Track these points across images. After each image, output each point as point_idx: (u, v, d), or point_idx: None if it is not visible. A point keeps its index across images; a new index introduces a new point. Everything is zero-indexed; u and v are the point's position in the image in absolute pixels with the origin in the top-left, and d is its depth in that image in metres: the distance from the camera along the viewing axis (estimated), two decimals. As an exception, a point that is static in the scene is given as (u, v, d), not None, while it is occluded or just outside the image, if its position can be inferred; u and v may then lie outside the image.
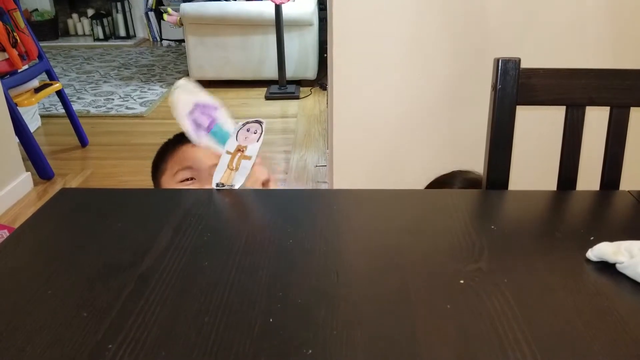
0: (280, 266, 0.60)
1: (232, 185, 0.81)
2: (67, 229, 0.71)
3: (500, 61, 0.85)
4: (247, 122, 0.84)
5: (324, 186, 2.37)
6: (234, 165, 0.81)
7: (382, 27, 1.42)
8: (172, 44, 5.56)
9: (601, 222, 0.74)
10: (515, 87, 0.86)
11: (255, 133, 0.83)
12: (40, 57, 2.73)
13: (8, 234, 1.79)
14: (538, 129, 1.40)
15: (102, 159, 2.79)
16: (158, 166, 1.09)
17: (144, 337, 0.49)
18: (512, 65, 0.85)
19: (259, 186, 0.98)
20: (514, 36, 1.43)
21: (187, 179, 1.03)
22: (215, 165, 1.04)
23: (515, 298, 0.55)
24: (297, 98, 3.71)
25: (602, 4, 1.39)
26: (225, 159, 0.82)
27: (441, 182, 1.14)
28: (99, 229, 0.70)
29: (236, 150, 0.82)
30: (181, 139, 1.08)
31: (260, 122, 0.83)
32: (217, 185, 0.81)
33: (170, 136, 1.12)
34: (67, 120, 2.91)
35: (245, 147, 0.82)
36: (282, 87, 3.77)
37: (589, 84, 0.86)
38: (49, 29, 5.58)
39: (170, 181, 1.06)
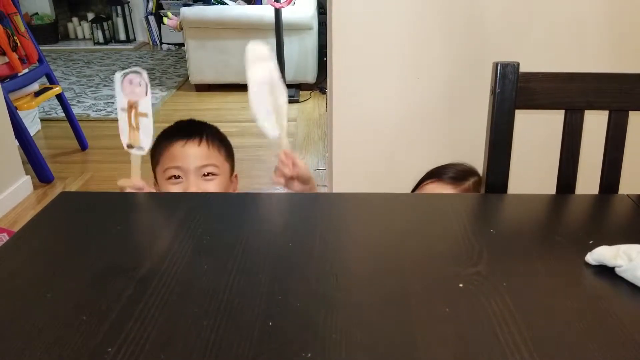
0: (280, 270, 0.60)
1: (141, 148, 0.81)
2: (66, 233, 0.71)
3: (499, 65, 0.85)
4: (126, 73, 0.84)
5: (323, 189, 2.37)
6: (134, 124, 0.81)
7: (382, 31, 1.43)
8: (172, 47, 5.57)
9: (600, 226, 0.74)
10: (514, 91, 0.86)
11: (140, 85, 0.82)
12: (40, 60, 2.73)
13: (8, 238, 1.78)
14: (537, 132, 1.40)
15: (102, 162, 2.79)
16: (154, 155, 1.12)
17: (143, 340, 0.49)
18: (511, 69, 0.85)
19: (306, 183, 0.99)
20: (512, 40, 1.43)
21: (174, 177, 1.05)
22: (201, 167, 1.05)
23: (515, 301, 0.55)
24: (297, 102, 3.71)
25: (601, 8, 1.40)
26: (123, 117, 0.82)
27: (433, 173, 1.15)
28: (98, 232, 0.70)
29: (129, 106, 0.82)
30: (176, 132, 1.10)
31: (139, 73, 0.83)
32: (128, 147, 0.81)
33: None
34: (67, 124, 2.91)
35: (137, 102, 0.82)
36: (281, 90, 3.77)
37: (587, 87, 0.86)
38: (49, 32, 5.59)
39: (161, 174, 1.08)
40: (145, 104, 0.82)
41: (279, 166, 0.93)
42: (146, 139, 0.81)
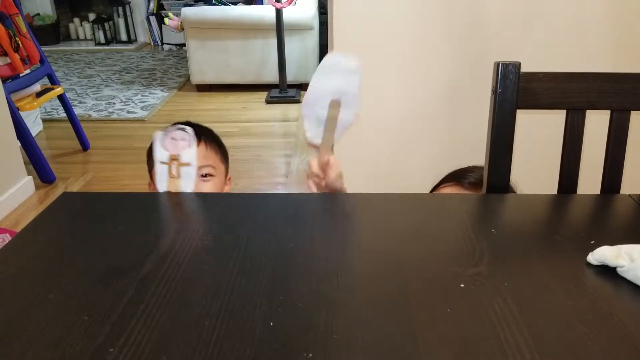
0: (281, 270, 0.60)
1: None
2: (68, 233, 0.71)
3: (500, 65, 0.85)
4: (168, 131, 0.84)
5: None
6: (175, 173, 0.82)
7: (383, 31, 1.43)
8: (173, 48, 5.57)
9: (602, 226, 0.74)
10: (516, 91, 0.86)
11: (183, 140, 0.83)
12: (41, 61, 2.74)
13: (10, 238, 1.78)
14: (538, 132, 1.40)
15: (103, 163, 2.80)
16: (151, 155, 1.11)
17: (145, 340, 0.49)
18: (512, 69, 0.85)
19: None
20: (514, 40, 1.43)
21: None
22: (199, 167, 1.05)
23: (516, 302, 0.55)
24: (298, 102, 3.71)
25: (602, 8, 1.40)
26: (162, 169, 0.82)
27: (453, 176, 1.12)
28: (100, 233, 0.70)
29: (170, 159, 0.82)
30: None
31: (183, 129, 0.83)
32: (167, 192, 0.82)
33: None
34: (69, 125, 2.91)
35: (179, 155, 0.82)
36: (282, 90, 3.77)
37: (589, 87, 0.86)
38: (51, 33, 5.60)
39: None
40: (189, 155, 0.82)
41: (309, 175, 0.89)
42: (188, 183, 0.82)
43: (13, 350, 0.48)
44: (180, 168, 0.81)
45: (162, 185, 0.82)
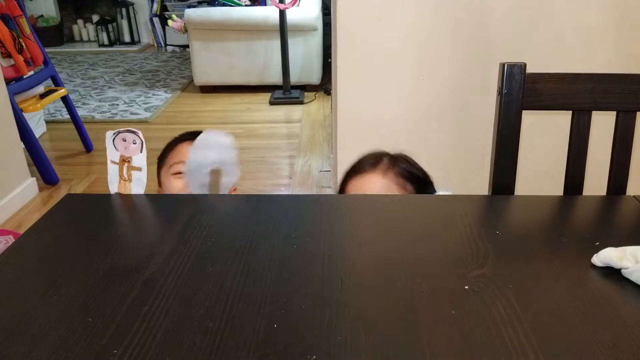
0: (285, 272, 0.60)
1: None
2: (72, 235, 0.71)
3: (505, 66, 0.85)
4: (119, 132, 0.85)
5: (328, 191, 2.37)
6: (125, 175, 0.83)
7: (386, 32, 1.43)
8: (177, 49, 5.58)
9: (607, 228, 0.73)
10: (521, 92, 0.86)
11: (134, 143, 0.84)
12: (45, 63, 2.75)
13: (14, 240, 1.79)
14: (544, 133, 1.40)
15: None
16: (161, 161, 1.18)
17: (149, 342, 0.49)
18: (518, 70, 0.85)
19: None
20: (519, 41, 1.43)
21: (180, 172, 1.11)
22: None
23: (520, 303, 0.54)
24: (302, 103, 3.71)
25: (607, 9, 1.39)
26: (113, 169, 0.83)
27: (352, 170, 1.08)
28: (103, 234, 0.70)
29: (121, 160, 0.83)
30: (185, 136, 1.15)
31: (135, 132, 0.84)
32: (117, 194, 0.83)
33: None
34: (72, 126, 2.92)
35: (130, 157, 0.83)
36: (286, 92, 3.77)
37: (594, 88, 0.86)
38: (54, 34, 5.62)
39: (166, 173, 1.13)
40: (140, 160, 0.83)
41: None
42: (139, 188, 0.83)
43: (17, 352, 0.48)
44: (132, 171, 0.82)
45: (113, 186, 0.83)
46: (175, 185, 1.11)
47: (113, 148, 0.83)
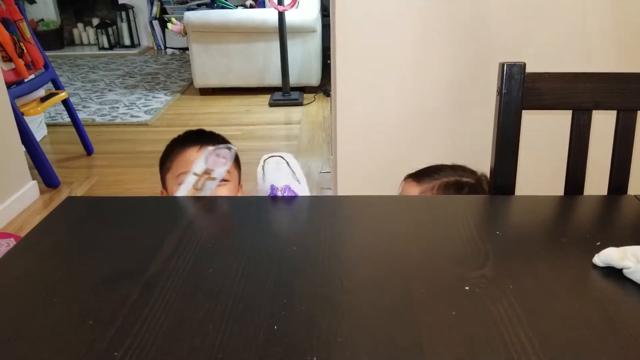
0: (285, 273, 0.60)
1: None
2: (73, 237, 0.71)
3: (505, 66, 0.85)
4: (218, 148, 0.88)
5: (328, 192, 2.37)
6: (199, 185, 0.84)
7: (385, 34, 1.43)
8: (176, 52, 5.59)
9: (608, 227, 0.73)
10: (521, 91, 0.86)
11: (224, 158, 0.86)
12: (46, 66, 2.75)
13: (14, 242, 1.79)
14: (544, 133, 1.40)
15: (108, 167, 2.80)
16: (165, 162, 1.15)
17: (149, 344, 0.49)
18: (517, 69, 0.85)
19: None
20: (518, 40, 1.43)
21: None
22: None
23: (521, 304, 0.54)
24: (301, 104, 3.71)
25: (606, 7, 1.39)
26: (191, 179, 0.85)
27: (414, 174, 1.13)
28: (104, 236, 0.70)
29: (204, 173, 0.85)
30: (188, 139, 1.13)
31: (230, 148, 0.87)
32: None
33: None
34: (73, 129, 2.92)
35: (213, 170, 0.85)
36: (285, 93, 3.78)
37: (595, 87, 0.86)
38: (55, 38, 5.63)
39: (172, 181, 1.11)
40: (219, 172, 0.86)
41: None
42: (205, 195, 0.85)
43: (18, 354, 0.48)
44: (206, 182, 0.84)
45: (184, 192, 0.84)
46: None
47: (202, 163, 0.86)
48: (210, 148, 0.86)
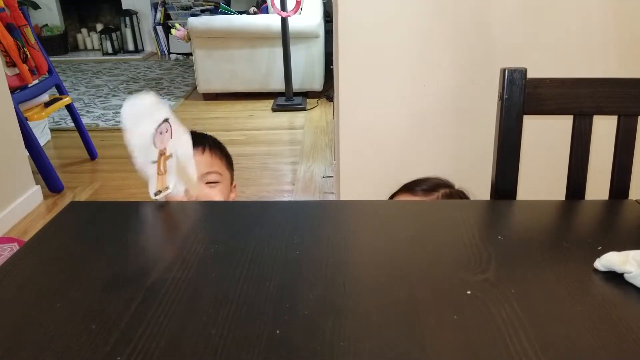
0: (287, 277, 0.60)
1: (167, 188, 0.77)
2: (76, 242, 0.71)
3: (506, 71, 0.85)
4: (159, 126, 0.79)
5: (331, 197, 2.37)
6: (162, 170, 0.78)
7: (388, 39, 1.43)
8: (180, 57, 5.61)
9: (609, 232, 0.73)
10: (522, 97, 0.86)
11: (166, 131, 0.78)
12: (50, 71, 2.76)
13: (18, 247, 1.79)
14: (546, 138, 1.40)
15: (111, 172, 2.81)
16: None
17: (152, 349, 0.49)
18: (519, 75, 0.85)
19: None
20: (520, 46, 1.43)
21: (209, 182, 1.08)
22: (205, 174, 1.06)
23: (523, 308, 0.54)
24: (304, 109, 3.72)
25: (609, 13, 1.39)
26: (153, 169, 0.79)
27: (406, 186, 1.12)
28: (107, 241, 0.70)
29: (159, 155, 0.78)
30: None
31: (166, 120, 0.78)
32: (155, 195, 0.78)
33: None
34: (77, 134, 2.94)
35: (164, 148, 0.78)
36: (288, 98, 3.79)
37: (596, 92, 0.86)
38: (59, 43, 5.66)
39: None
40: (170, 147, 0.79)
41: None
42: (171, 179, 0.78)
43: (22, 359, 0.49)
44: (165, 162, 0.78)
45: (153, 184, 0.78)
46: (208, 193, 1.07)
47: (153, 147, 0.78)
48: (152, 131, 0.78)
